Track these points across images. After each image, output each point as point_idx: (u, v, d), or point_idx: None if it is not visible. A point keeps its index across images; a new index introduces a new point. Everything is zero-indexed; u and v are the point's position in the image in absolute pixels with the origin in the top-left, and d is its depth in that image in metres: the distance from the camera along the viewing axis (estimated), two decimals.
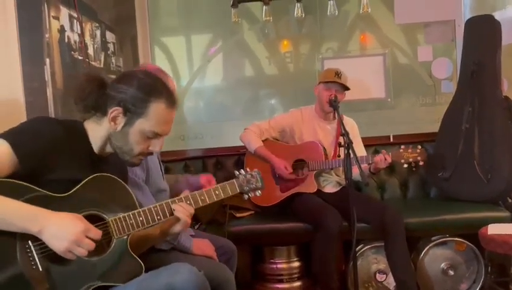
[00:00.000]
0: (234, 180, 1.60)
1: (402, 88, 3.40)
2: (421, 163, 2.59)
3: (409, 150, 2.59)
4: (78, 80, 1.49)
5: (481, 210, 2.67)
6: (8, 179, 1.23)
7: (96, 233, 1.26)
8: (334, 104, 2.56)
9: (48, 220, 1.21)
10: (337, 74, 2.70)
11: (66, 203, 1.29)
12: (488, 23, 2.96)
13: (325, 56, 3.39)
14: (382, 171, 3.21)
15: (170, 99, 1.41)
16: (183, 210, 1.45)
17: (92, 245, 1.24)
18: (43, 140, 1.28)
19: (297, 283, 2.76)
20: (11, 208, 1.19)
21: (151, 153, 1.45)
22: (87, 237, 1.23)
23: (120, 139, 1.39)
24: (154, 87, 1.39)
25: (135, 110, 1.36)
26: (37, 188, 1.26)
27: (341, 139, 2.29)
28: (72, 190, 1.32)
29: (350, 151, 2.20)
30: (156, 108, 1.38)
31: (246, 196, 1.63)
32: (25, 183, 1.24)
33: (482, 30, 2.96)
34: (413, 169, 3.22)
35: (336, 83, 2.67)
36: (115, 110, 1.36)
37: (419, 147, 2.61)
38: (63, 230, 1.20)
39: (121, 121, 1.37)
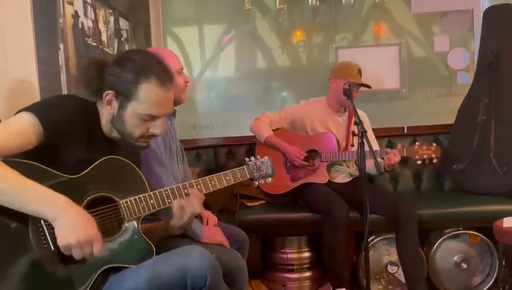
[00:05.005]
0: (244, 166, 1.60)
1: (417, 79, 3.35)
2: (434, 160, 2.56)
3: (424, 147, 2.55)
4: (82, 66, 1.49)
5: (496, 203, 2.63)
6: (26, 161, 1.24)
7: (99, 249, 1.22)
8: (348, 92, 2.52)
9: (64, 211, 1.19)
10: (360, 72, 2.69)
11: (79, 184, 1.30)
12: (507, 13, 2.89)
13: (339, 46, 3.35)
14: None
15: (162, 79, 1.35)
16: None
17: (86, 255, 1.21)
18: (66, 113, 1.29)
19: (308, 273, 2.75)
20: (30, 188, 1.18)
21: (154, 135, 1.42)
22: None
23: (119, 123, 1.38)
24: (144, 68, 1.34)
25: (125, 93, 1.33)
26: (52, 170, 1.26)
27: (354, 128, 2.26)
28: (85, 171, 1.32)
29: (364, 140, 2.17)
30: (147, 90, 1.33)
31: (256, 183, 1.63)
32: (41, 166, 1.24)
33: (500, 20, 2.90)
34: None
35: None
36: (108, 94, 1.35)
37: (434, 144, 2.58)
38: (74, 228, 1.19)
39: (115, 104, 1.36)
